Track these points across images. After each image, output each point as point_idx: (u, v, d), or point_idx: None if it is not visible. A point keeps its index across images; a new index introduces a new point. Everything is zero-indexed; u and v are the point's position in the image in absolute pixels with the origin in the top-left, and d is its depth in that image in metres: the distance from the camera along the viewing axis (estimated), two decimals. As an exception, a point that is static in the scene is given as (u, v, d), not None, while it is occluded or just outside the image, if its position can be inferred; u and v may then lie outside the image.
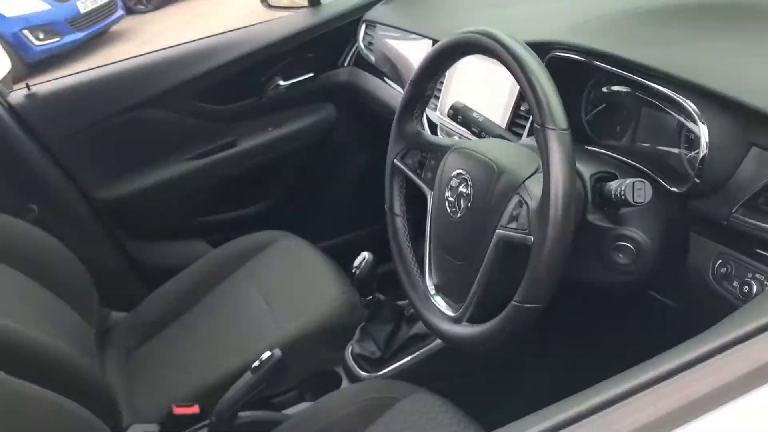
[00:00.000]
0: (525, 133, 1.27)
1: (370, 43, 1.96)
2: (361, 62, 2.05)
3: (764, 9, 1.04)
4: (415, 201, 1.23)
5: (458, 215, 1.03)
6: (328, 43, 2.07)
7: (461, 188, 1.02)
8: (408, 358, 1.47)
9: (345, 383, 1.52)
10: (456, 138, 1.35)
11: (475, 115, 1.20)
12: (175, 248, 2.08)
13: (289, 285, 1.64)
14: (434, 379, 1.48)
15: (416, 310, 1.13)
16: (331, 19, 2.05)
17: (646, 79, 0.99)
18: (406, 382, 1.35)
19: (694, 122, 0.93)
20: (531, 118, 1.24)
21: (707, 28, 1.06)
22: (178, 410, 1.45)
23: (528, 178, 0.95)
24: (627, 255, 0.95)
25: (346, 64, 2.11)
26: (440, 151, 1.10)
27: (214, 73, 1.97)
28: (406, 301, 1.55)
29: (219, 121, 2.04)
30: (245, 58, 1.98)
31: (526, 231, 0.89)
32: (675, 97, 0.94)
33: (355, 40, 2.06)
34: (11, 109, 1.80)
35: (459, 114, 1.21)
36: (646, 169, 1.04)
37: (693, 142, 1.04)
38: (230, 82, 2.00)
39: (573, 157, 0.84)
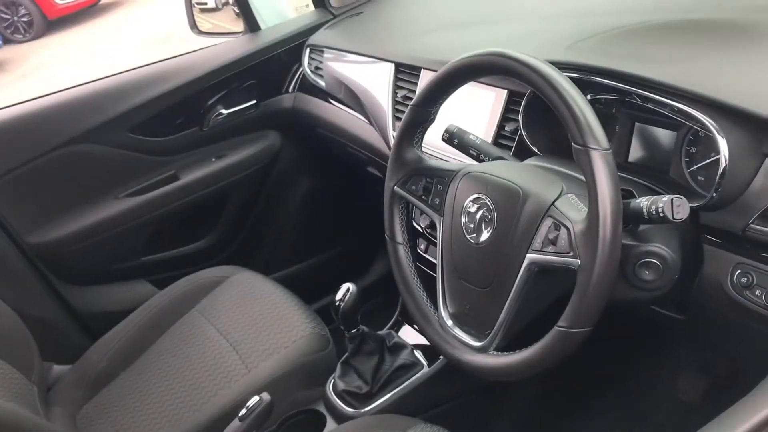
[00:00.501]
0: (512, 152, 1.26)
1: (317, 68, 1.91)
2: (306, 87, 2.00)
3: (759, 25, 1.08)
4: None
5: (480, 241, 1.00)
6: (270, 70, 2.02)
7: (480, 213, 1.00)
8: (397, 390, 1.42)
9: (330, 422, 1.45)
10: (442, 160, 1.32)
11: (471, 137, 1.18)
12: (117, 292, 1.94)
13: (250, 323, 1.55)
14: (427, 407, 1.45)
15: (433, 344, 1.09)
16: (272, 44, 2.00)
17: (662, 96, 1.00)
18: (402, 415, 1.30)
19: (711, 135, 0.95)
20: (520, 130, 1.24)
21: (707, 43, 1.09)
22: None
23: (556, 200, 0.93)
24: (653, 271, 0.95)
25: (290, 90, 2.05)
26: (447, 176, 1.07)
27: (151, 105, 1.86)
28: (387, 331, 1.52)
29: (158, 154, 1.93)
30: (184, 88, 1.89)
31: (570, 254, 0.87)
32: (693, 112, 0.96)
33: (299, 66, 2.01)
34: None
35: (455, 137, 1.18)
36: (653, 186, 1.05)
37: (694, 156, 1.06)
38: (169, 113, 1.90)
39: (617, 176, 0.84)
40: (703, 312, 1.07)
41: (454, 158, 1.32)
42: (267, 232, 2.15)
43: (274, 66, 2.02)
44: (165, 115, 1.90)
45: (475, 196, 1.01)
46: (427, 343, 1.51)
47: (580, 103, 0.86)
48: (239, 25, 2.07)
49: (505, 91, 1.29)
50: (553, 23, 1.39)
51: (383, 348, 1.47)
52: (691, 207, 0.98)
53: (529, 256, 0.93)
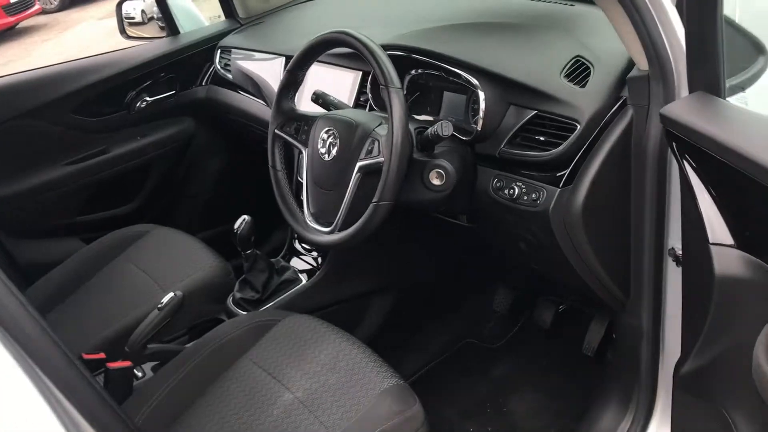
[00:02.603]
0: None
1: (226, 65, 2.38)
2: (217, 81, 2.46)
3: (520, 24, 1.64)
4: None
5: (328, 158, 1.49)
6: (187, 66, 2.47)
7: (330, 140, 1.49)
8: (282, 296, 1.88)
9: (229, 324, 1.88)
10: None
11: (332, 98, 1.68)
12: (52, 246, 2.31)
13: (167, 261, 1.94)
14: (305, 311, 1.91)
15: (300, 235, 1.56)
16: (189, 45, 2.45)
17: (447, 64, 1.53)
18: (281, 310, 1.75)
19: (477, 91, 1.48)
20: (369, 99, 1.75)
21: (483, 34, 1.63)
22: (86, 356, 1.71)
23: (376, 127, 1.43)
24: (439, 178, 1.46)
25: (204, 83, 2.51)
26: (311, 120, 1.56)
27: (89, 90, 2.27)
28: (276, 259, 1.98)
29: (95, 131, 2.33)
30: (116, 77, 2.32)
31: (379, 156, 1.37)
32: (464, 74, 1.49)
33: (212, 63, 2.48)
34: None
35: (320, 98, 1.68)
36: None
37: (475, 111, 1.60)
38: (103, 98, 2.32)
39: (405, 105, 1.35)
40: (481, 215, 1.59)
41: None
42: (183, 200, 2.58)
43: (190, 63, 2.47)
44: (100, 100, 2.31)
45: (327, 128, 1.50)
46: (308, 267, 1.99)
47: (384, 58, 1.37)
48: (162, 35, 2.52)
49: (360, 72, 1.81)
50: (396, 26, 1.92)
51: (272, 269, 1.93)
52: (465, 139, 1.51)
53: (358, 164, 1.43)
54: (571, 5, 1.74)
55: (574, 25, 1.62)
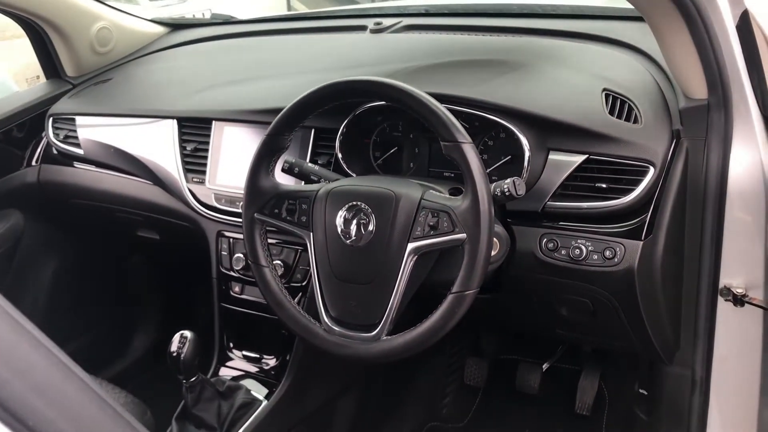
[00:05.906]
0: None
1: (68, 137, 1.83)
2: (52, 158, 1.89)
3: (509, 61, 1.43)
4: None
5: (360, 243, 1.13)
6: (6, 144, 1.86)
7: (357, 219, 1.13)
8: (246, 425, 1.43)
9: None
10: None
11: (310, 165, 1.31)
12: None
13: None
14: None
15: (324, 350, 1.16)
16: (6, 118, 1.85)
17: (471, 109, 1.26)
18: None
19: (501, 140, 1.25)
20: (333, 161, 1.41)
21: (484, 72, 1.39)
22: None
23: (423, 196, 1.11)
24: (493, 248, 1.18)
25: (33, 163, 1.91)
26: (309, 195, 1.18)
27: None
28: (214, 378, 1.52)
29: None
30: None
31: (453, 231, 1.06)
32: (500, 120, 1.24)
33: (41, 138, 1.90)
34: None
35: (295, 167, 1.29)
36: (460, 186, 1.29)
37: (486, 162, 1.35)
38: None
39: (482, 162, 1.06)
40: (516, 282, 1.34)
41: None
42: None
43: (10, 140, 1.87)
44: None
45: (349, 205, 1.14)
46: (238, 373, 1.56)
47: (442, 108, 1.07)
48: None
49: (312, 129, 1.46)
50: (327, 74, 1.59)
51: (217, 393, 1.47)
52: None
53: (410, 245, 1.10)
54: (534, 38, 1.58)
55: (565, 56, 1.46)
